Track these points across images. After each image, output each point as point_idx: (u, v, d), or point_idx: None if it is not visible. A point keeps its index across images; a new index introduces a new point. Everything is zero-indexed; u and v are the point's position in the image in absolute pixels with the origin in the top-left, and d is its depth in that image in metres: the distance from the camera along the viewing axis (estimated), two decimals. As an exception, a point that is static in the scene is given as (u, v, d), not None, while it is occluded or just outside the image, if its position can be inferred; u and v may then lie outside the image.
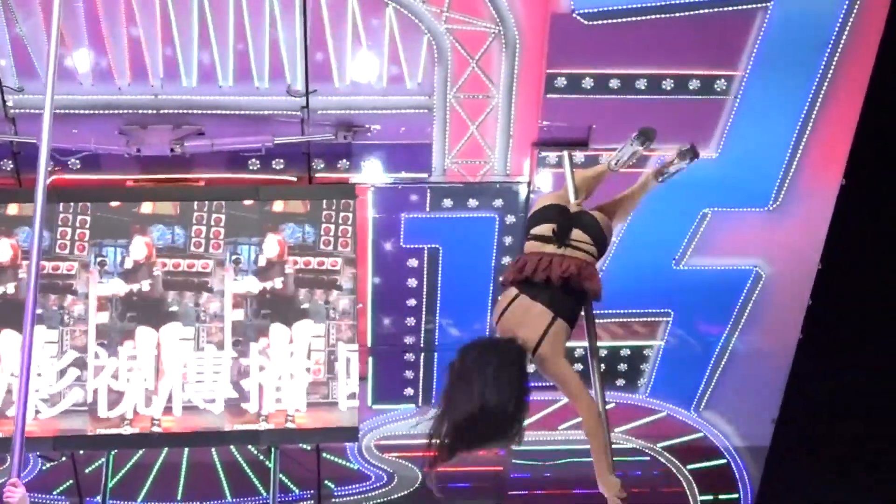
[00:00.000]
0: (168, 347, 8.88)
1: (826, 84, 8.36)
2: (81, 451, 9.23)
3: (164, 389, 8.78)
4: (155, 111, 8.49)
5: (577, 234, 4.98)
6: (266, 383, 8.87)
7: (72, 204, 8.83)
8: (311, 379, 8.88)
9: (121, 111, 8.46)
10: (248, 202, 8.94)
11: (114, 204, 8.88)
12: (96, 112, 8.43)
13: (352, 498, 9.90)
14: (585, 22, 7.98)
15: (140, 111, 8.47)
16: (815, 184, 8.90)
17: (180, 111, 8.51)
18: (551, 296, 4.76)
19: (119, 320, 8.86)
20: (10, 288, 8.73)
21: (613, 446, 9.51)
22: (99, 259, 8.86)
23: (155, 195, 8.92)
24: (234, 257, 8.92)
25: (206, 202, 8.93)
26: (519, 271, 4.87)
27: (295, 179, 8.95)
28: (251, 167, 8.84)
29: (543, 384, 4.94)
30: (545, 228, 5.04)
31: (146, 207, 8.92)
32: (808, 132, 8.64)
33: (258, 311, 8.92)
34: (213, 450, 9.48)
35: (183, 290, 8.92)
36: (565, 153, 5.30)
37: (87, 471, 9.38)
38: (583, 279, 4.83)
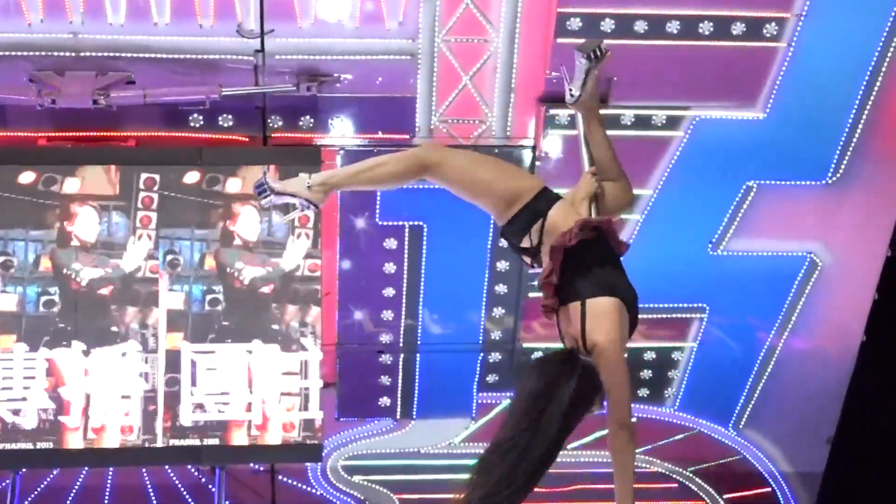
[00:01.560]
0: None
1: (901, 29, 8.28)
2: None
3: None
4: (74, 54, 8.34)
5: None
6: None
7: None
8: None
9: (32, 53, 8.32)
10: (188, 178, 8.67)
11: (24, 180, 8.56)
12: (1, 54, 8.28)
13: (314, 530, 9.80)
14: (605, -52, 7.91)
15: (56, 53, 8.33)
16: (884, 152, 8.87)
17: (105, 54, 8.37)
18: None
19: (28, 345, 8.57)
20: None
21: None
22: (2, 258, 8.56)
23: (73, 157, 8.67)
24: (169, 257, 8.68)
25: (157, 176, 8.63)
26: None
27: (247, 140, 8.82)
28: (193, 124, 8.71)
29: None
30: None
31: (71, 185, 8.61)
32: (876, 89, 8.59)
33: (204, 336, 8.68)
34: (144, 471, 9.39)
35: (124, 303, 8.66)
36: (579, 113, 5.16)
37: (-12, 495, 9.27)
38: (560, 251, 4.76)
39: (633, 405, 9.27)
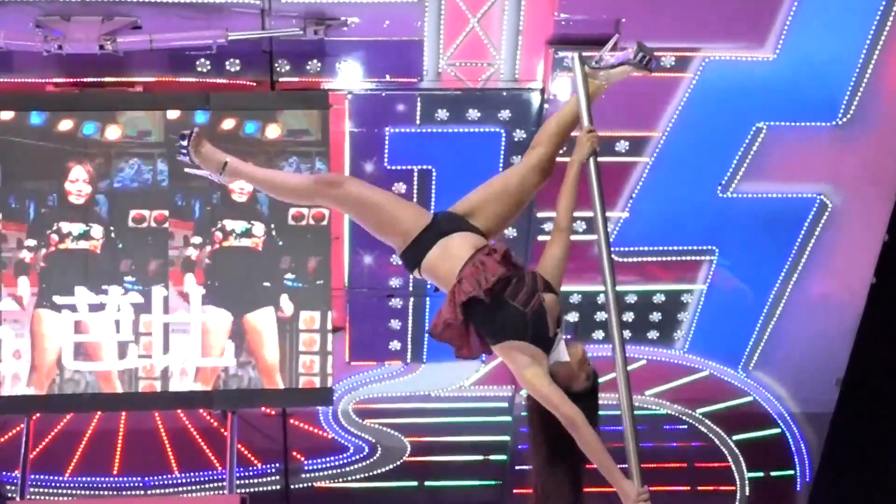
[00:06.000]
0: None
1: (912, -34, 8.29)
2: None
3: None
4: (80, -1, 8.34)
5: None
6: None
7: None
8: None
9: (37, -1, 8.32)
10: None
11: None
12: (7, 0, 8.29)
13: (326, 472, 9.91)
14: None
15: (61, -1, 8.32)
16: (894, 93, 8.82)
17: (111, -1, 8.37)
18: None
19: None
20: None
21: (643, 412, 9.53)
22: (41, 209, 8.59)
23: (78, 103, 8.72)
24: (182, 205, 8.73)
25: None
26: None
27: (254, 84, 8.84)
28: (200, 69, 8.72)
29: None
30: None
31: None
32: (887, 28, 8.55)
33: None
34: (156, 415, 9.45)
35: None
36: (575, 56, 4.94)
37: (1, 440, 9.36)
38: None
39: (641, 348, 9.49)
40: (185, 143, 4.73)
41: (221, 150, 4.83)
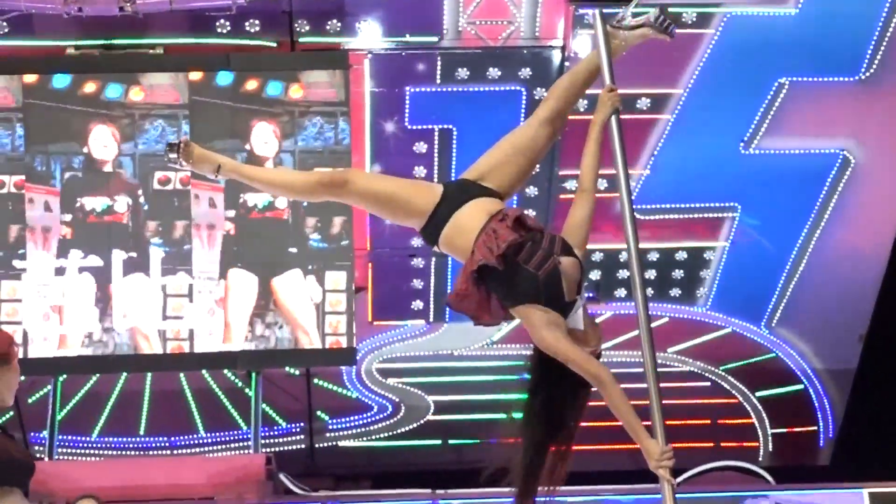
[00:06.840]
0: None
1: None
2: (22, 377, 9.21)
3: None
4: (99, -40, 8.33)
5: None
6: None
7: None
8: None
9: (57, -39, 8.28)
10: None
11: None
12: (27, -38, 8.28)
13: (350, 431, 9.93)
14: None
15: (81, -40, 8.30)
16: None
17: (131, -39, 8.34)
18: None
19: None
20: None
21: (666, 369, 9.55)
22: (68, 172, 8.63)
23: (99, 65, 8.74)
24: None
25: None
26: None
27: (274, 45, 8.84)
28: (220, 30, 8.72)
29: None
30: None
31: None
32: None
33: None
34: (181, 376, 9.49)
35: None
36: (596, 12, 4.83)
37: (29, 401, 9.34)
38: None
39: (664, 305, 9.46)
40: (174, 155, 4.63)
41: (214, 152, 4.68)
